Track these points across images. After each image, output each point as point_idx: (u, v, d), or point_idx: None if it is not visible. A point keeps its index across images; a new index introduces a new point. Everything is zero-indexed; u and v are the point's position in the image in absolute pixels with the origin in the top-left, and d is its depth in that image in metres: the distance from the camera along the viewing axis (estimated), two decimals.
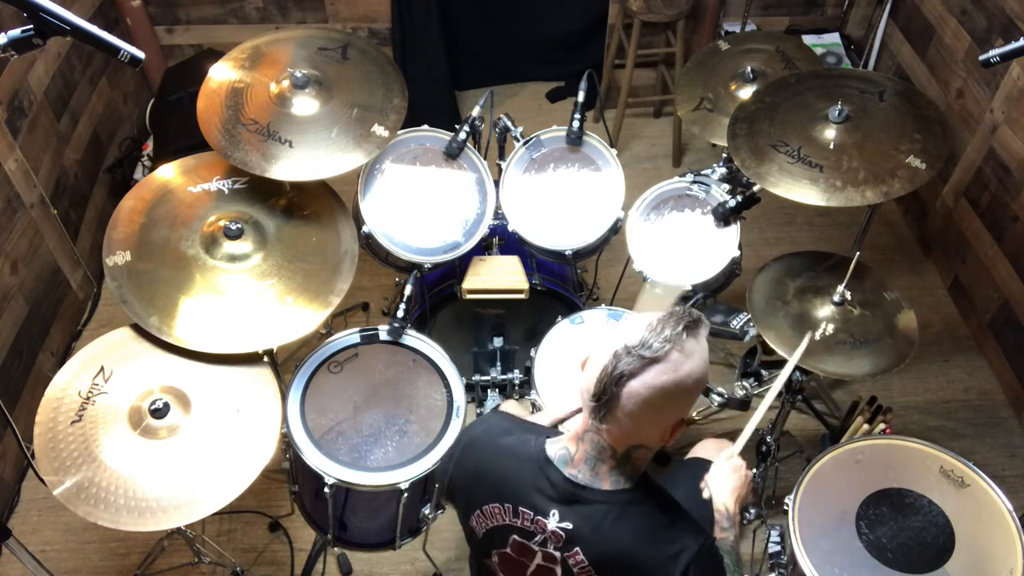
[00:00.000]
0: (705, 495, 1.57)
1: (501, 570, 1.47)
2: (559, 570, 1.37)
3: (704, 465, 1.67)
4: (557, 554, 1.36)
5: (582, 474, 1.33)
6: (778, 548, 2.05)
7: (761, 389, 2.39)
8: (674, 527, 1.32)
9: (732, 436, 1.73)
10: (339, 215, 2.16)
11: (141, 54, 1.43)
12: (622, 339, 1.22)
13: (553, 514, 1.34)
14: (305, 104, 2.13)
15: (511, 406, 2.15)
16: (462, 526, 1.52)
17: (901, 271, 3.33)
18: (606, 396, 1.22)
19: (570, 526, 1.33)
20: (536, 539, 1.37)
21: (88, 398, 1.86)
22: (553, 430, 1.45)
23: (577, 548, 1.33)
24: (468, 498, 1.45)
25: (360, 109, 2.15)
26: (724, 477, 1.57)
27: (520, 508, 1.37)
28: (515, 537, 1.40)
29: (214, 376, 1.93)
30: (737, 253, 2.26)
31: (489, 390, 2.64)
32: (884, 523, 1.83)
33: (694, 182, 2.33)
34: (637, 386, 1.20)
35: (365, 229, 2.23)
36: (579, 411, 1.35)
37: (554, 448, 1.36)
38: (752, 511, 2.51)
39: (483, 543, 1.46)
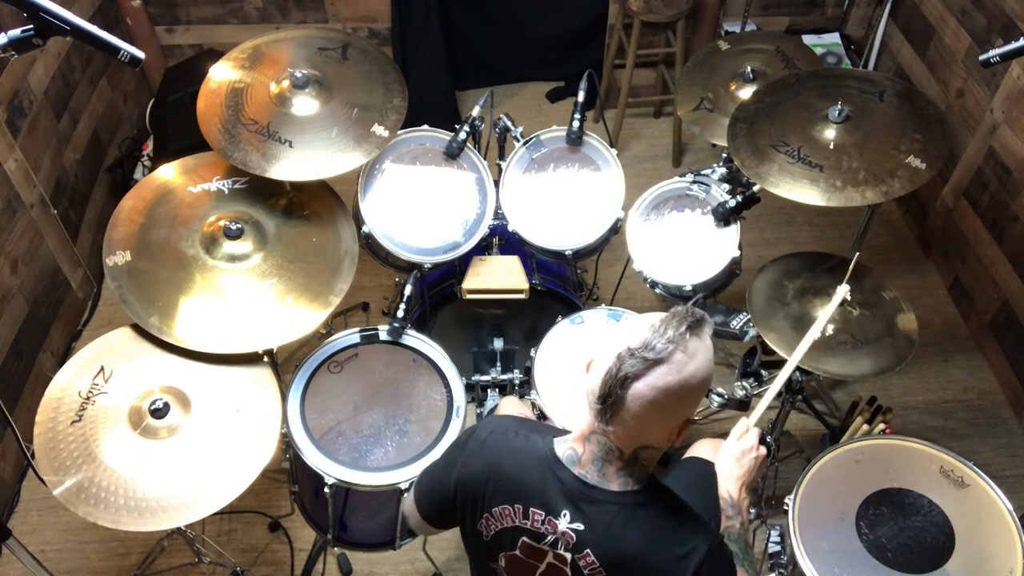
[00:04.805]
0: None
1: (508, 573, 1.46)
2: (569, 571, 1.36)
3: (701, 464, 1.67)
4: (568, 555, 1.35)
5: (590, 475, 1.32)
6: (778, 548, 2.04)
7: (761, 389, 2.39)
8: (684, 528, 1.32)
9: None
10: (339, 215, 2.16)
11: (141, 54, 1.43)
12: (625, 341, 1.22)
13: (564, 514, 1.33)
14: (305, 104, 2.13)
15: (511, 404, 2.15)
16: (463, 535, 1.50)
17: (901, 271, 3.33)
18: (611, 399, 1.22)
19: (581, 527, 1.32)
20: (546, 540, 1.36)
21: (88, 398, 1.86)
22: (559, 430, 1.44)
23: (588, 550, 1.32)
24: (476, 501, 1.43)
25: (360, 109, 2.15)
26: (729, 463, 1.56)
27: (531, 509, 1.36)
28: (524, 539, 1.39)
29: (214, 376, 1.93)
30: (737, 253, 2.26)
31: (489, 390, 2.64)
32: (884, 523, 1.83)
33: (694, 182, 2.33)
34: (642, 388, 1.20)
35: (365, 229, 2.23)
36: None
37: (561, 448, 1.36)
38: (752, 511, 2.51)
39: (490, 546, 1.45)
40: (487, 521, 1.42)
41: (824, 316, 1.86)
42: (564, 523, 1.33)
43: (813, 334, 1.81)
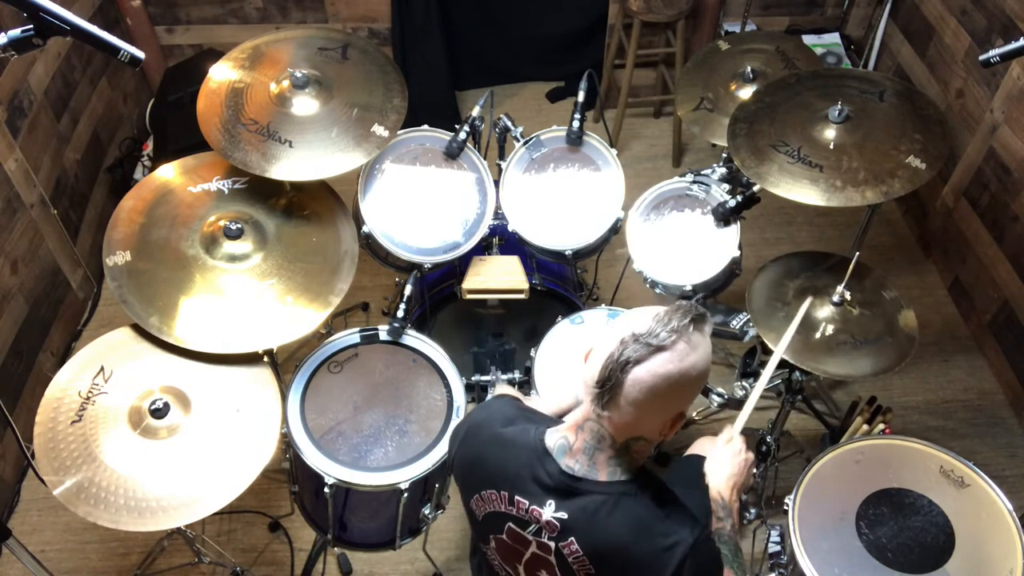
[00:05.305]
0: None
1: (498, 555, 1.48)
2: (553, 559, 1.38)
3: (701, 460, 1.67)
4: (551, 544, 1.36)
5: (579, 464, 1.33)
6: (778, 548, 2.04)
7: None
8: (670, 519, 1.32)
9: None
10: (339, 215, 2.16)
11: (141, 54, 1.43)
12: (629, 328, 1.24)
13: (549, 504, 1.34)
14: (305, 104, 2.13)
15: (506, 389, 2.15)
16: (464, 507, 1.53)
17: (901, 271, 3.33)
18: (611, 382, 1.23)
19: (565, 516, 1.33)
20: (530, 528, 1.38)
21: (88, 398, 1.85)
22: (555, 420, 1.45)
23: (572, 538, 1.34)
24: (468, 481, 1.47)
25: (360, 109, 2.14)
26: (720, 464, 1.57)
27: (516, 497, 1.37)
28: (510, 525, 1.41)
29: (214, 376, 1.93)
30: (737, 253, 2.26)
31: (489, 390, 2.64)
32: (884, 523, 1.83)
33: (694, 182, 2.33)
34: (642, 373, 1.21)
35: (365, 229, 2.23)
36: (580, 403, 1.35)
37: (553, 438, 1.37)
38: (752, 511, 2.51)
39: (482, 527, 1.48)
40: (477, 502, 1.45)
41: (797, 317, 1.89)
42: (549, 512, 1.34)
43: (789, 333, 1.83)
